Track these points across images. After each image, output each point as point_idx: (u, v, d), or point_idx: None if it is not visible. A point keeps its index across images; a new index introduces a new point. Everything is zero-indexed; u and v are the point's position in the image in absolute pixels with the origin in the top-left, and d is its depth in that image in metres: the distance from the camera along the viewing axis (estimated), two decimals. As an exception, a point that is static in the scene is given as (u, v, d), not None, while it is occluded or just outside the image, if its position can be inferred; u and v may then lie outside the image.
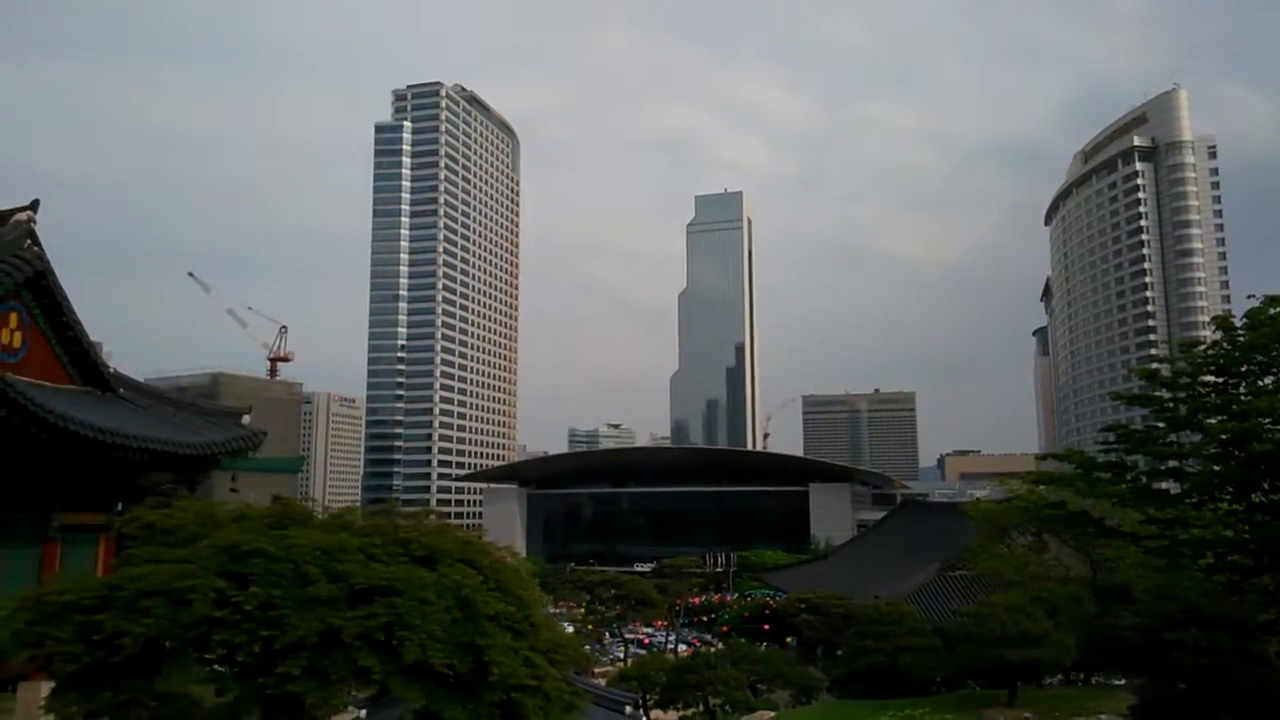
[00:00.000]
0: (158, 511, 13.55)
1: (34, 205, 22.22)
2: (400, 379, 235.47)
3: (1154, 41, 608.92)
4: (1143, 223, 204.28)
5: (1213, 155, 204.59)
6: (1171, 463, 20.99)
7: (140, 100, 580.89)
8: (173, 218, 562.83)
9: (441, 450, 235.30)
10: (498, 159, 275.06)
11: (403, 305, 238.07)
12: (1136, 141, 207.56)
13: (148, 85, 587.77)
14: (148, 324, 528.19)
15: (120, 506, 23.82)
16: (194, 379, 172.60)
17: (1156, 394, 21.88)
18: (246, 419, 28.20)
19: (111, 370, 25.54)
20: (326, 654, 10.39)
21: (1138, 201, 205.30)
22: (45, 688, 11.90)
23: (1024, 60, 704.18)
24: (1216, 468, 20.30)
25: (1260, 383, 20.33)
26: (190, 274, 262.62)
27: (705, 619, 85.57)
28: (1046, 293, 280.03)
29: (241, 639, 10.27)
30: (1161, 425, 21.51)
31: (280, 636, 10.29)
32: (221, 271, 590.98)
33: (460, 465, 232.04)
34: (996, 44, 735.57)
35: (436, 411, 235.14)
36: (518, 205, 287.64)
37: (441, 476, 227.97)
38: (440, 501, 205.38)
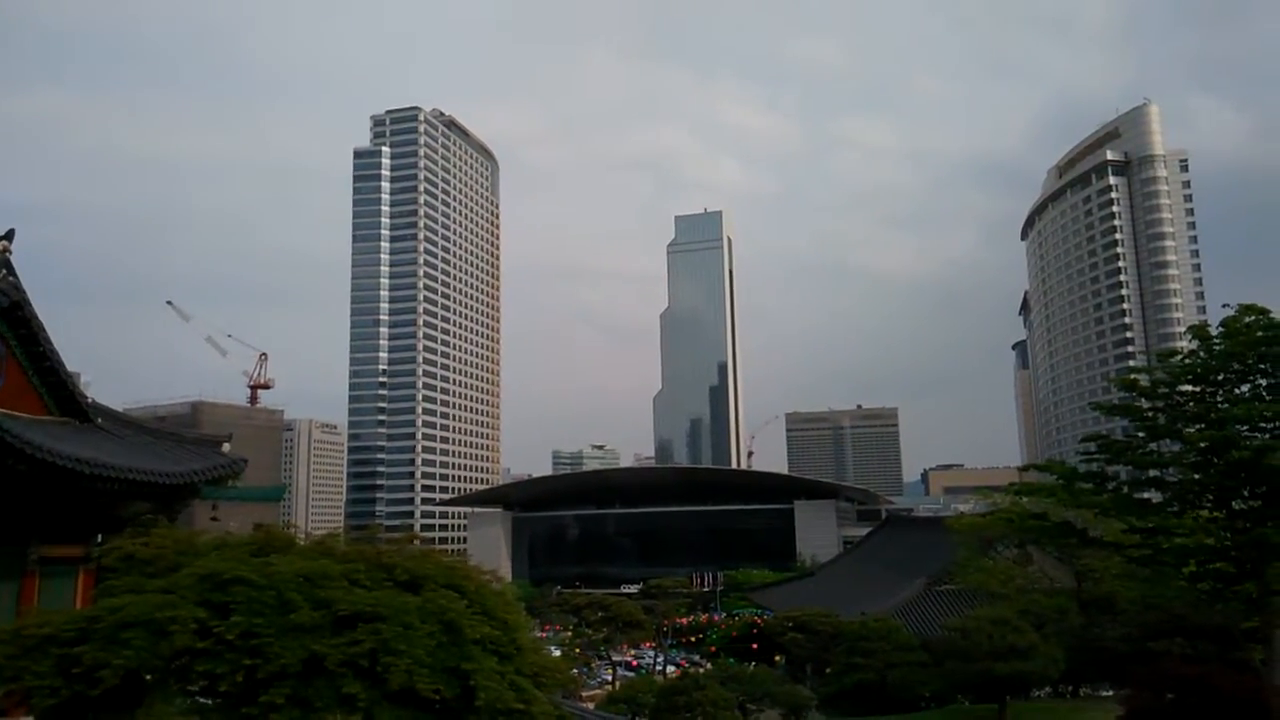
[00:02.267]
0: (136, 541, 13.41)
1: (9, 235, 22.04)
2: (382, 404, 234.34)
3: (1126, 57, 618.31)
4: (1117, 236, 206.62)
5: (1184, 169, 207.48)
6: (1152, 472, 21.11)
7: (116, 127, 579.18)
8: (150, 246, 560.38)
9: (425, 475, 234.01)
10: (477, 183, 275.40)
11: (384, 330, 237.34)
12: (1110, 156, 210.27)
13: (124, 112, 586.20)
14: (126, 354, 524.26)
15: (100, 538, 23.51)
16: (173, 408, 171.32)
17: (1136, 404, 22.04)
18: (227, 447, 27.94)
19: (89, 400, 25.28)
20: (310, 682, 10.27)
21: (1112, 215, 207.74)
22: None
23: (999, 78, 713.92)
24: (1197, 476, 20.43)
25: (1237, 391, 20.52)
26: (169, 302, 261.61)
27: (693, 639, 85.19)
28: (1025, 307, 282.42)
29: (224, 669, 10.15)
30: (1141, 434, 21.65)
31: (263, 665, 10.18)
32: (200, 299, 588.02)
33: (444, 490, 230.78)
34: (971, 62, 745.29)
35: (419, 436, 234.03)
36: (498, 228, 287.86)
37: (425, 501, 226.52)
38: (424, 526, 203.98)
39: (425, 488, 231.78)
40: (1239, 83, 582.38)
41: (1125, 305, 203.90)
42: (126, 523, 23.56)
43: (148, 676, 10.51)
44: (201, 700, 11.47)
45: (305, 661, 10.32)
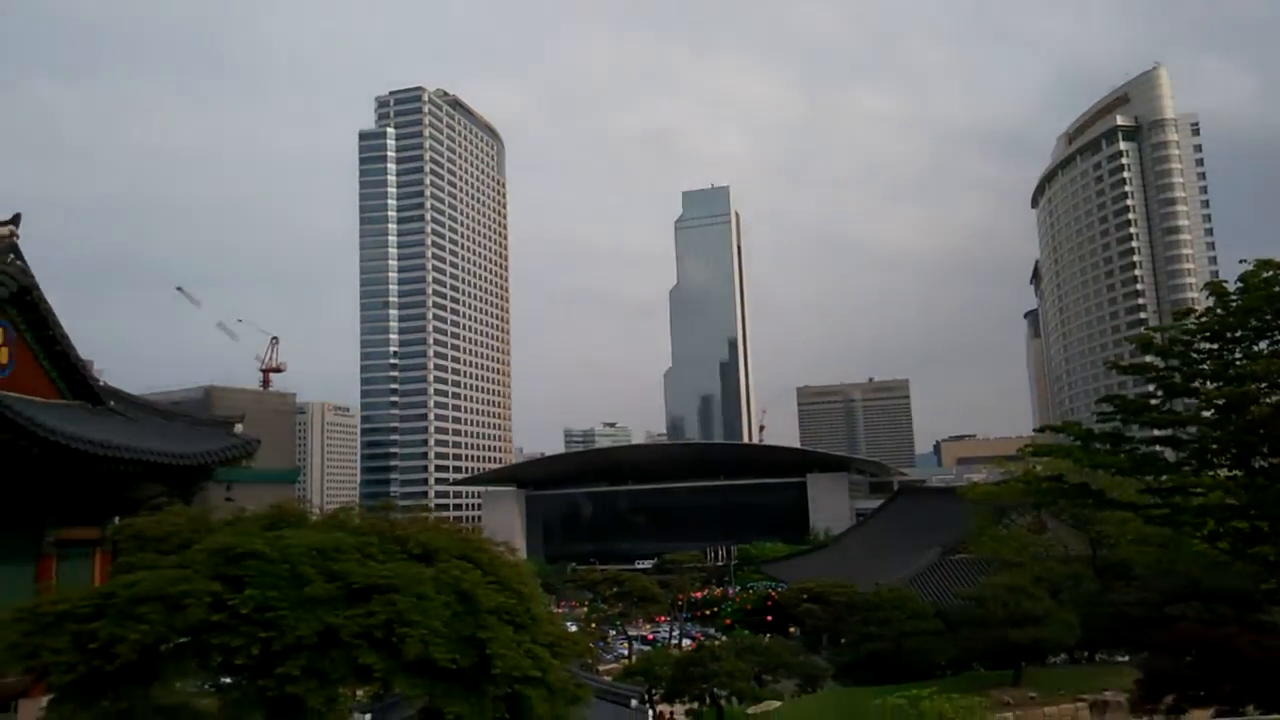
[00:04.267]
0: (150, 519, 13.43)
1: (15, 219, 21.99)
2: (394, 385, 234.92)
3: (1133, 20, 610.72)
4: (1129, 202, 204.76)
5: (1195, 132, 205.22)
6: (1170, 430, 20.90)
7: (123, 115, 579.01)
8: (159, 232, 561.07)
9: (438, 455, 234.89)
10: (483, 162, 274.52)
11: (393, 312, 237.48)
12: (1120, 121, 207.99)
13: (129, 100, 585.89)
14: (138, 340, 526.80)
15: (116, 520, 23.62)
16: (187, 393, 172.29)
17: (1151, 361, 21.80)
18: (239, 428, 27.99)
19: (101, 383, 25.34)
20: (326, 654, 10.29)
21: (1123, 181, 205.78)
22: (46, 703, 11.76)
23: (1002, 44, 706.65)
24: (1215, 433, 20.23)
25: (1255, 347, 20.26)
26: (179, 289, 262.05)
27: (708, 613, 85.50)
28: (1036, 275, 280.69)
29: (239, 642, 10.16)
30: (1159, 393, 21.45)
31: (278, 638, 10.19)
32: (211, 285, 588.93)
33: (457, 470, 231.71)
34: (972, 27, 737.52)
35: (431, 417, 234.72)
36: (505, 207, 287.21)
37: (439, 481, 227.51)
38: (438, 507, 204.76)
39: (439, 468, 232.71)
40: (1247, 44, 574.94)
41: (1137, 271, 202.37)
42: (141, 505, 23.61)
43: (163, 650, 10.54)
44: (218, 673, 11.53)
45: (320, 634, 10.33)
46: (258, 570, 10.76)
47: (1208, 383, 20.33)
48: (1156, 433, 21.75)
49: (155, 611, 10.13)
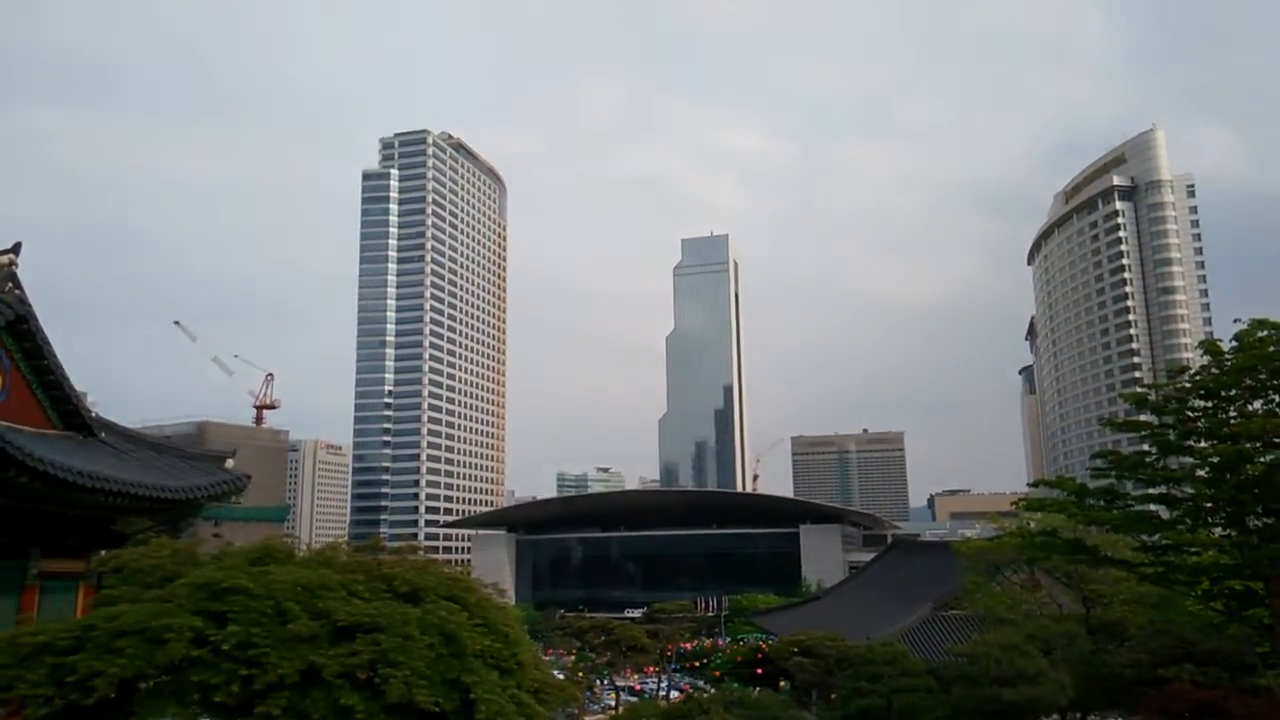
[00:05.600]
0: (134, 551, 13.30)
1: (15, 248, 22.03)
2: (387, 425, 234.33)
3: (1122, 85, 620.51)
4: (1124, 261, 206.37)
5: (1191, 194, 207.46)
6: (1164, 488, 20.91)
7: (127, 148, 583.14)
8: (160, 267, 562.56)
9: (429, 497, 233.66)
10: (484, 205, 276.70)
11: (390, 351, 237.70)
12: (1116, 181, 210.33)
13: (134, 133, 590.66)
14: (133, 374, 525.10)
15: (101, 553, 23.36)
16: (179, 428, 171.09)
17: (1146, 419, 21.88)
18: (230, 463, 27.83)
19: (93, 415, 25.21)
20: (307, 693, 10.15)
21: (1119, 240, 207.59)
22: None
23: (1001, 102, 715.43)
24: (1210, 491, 20.23)
25: (1250, 406, 20.34)
26: (176, 322, 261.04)
27: (697, 664, 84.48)
28: (1031, 332, 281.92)
29: (219, 679, 10.02)
30: (1153, 450, 21.48)
31: (260, 676, 10.06)
32: (209, 320, 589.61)
33: (448, 511, 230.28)
34: (965, 88, 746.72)
35: (424, 458, 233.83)
36: (504, 250, 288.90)
37: (429, 523, 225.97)
38: (428, 549, 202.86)
39: (429, 509, 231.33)
40: (1235, 110, 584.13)
41: (1132, 330, 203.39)
42: (128, 539, 23.42)
43: (143, 686, 10.38)
44: (197, 711, 11.34)
45: (303, 672, 10.20)
46: (242, 606, 10.64)
47: (1202, 441, 20.36)
48: (1151, 490, 21.73)
49: (135, 646, 10.00)
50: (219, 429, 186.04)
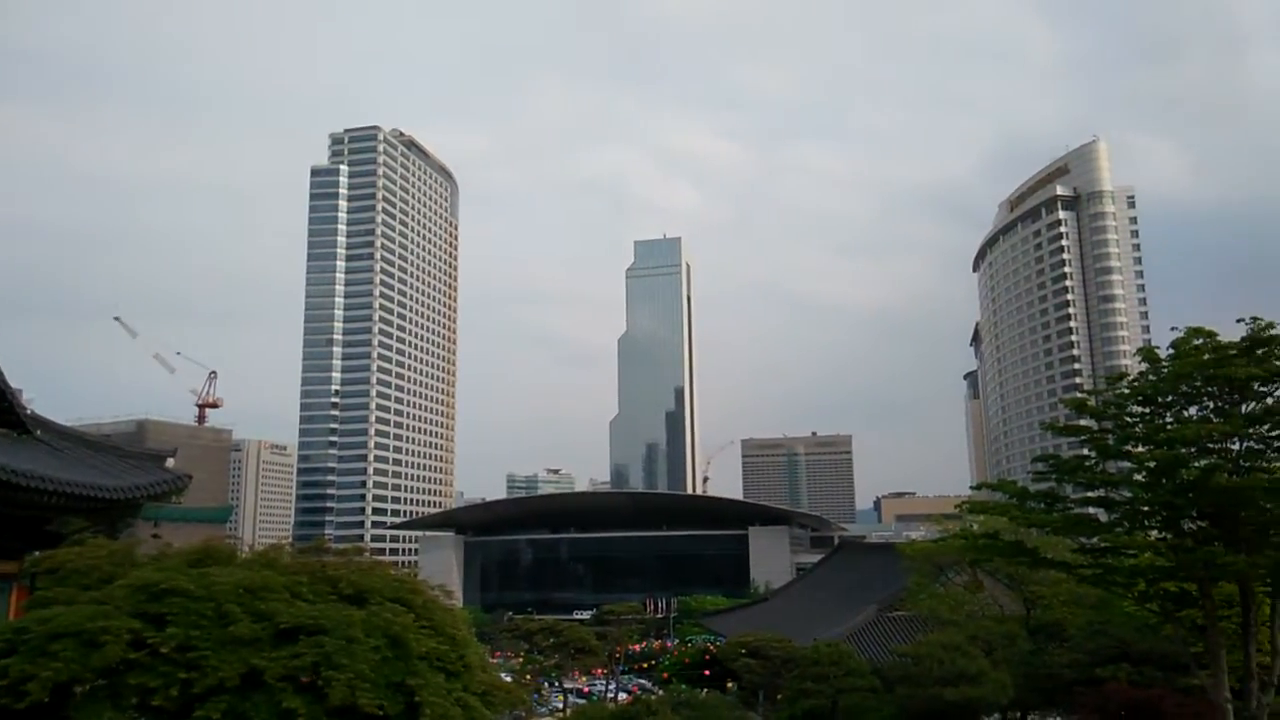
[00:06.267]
0: (71, 551, 12.97)
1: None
2: (334, 425, 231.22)
3: (1073, 93, 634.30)
4: (1066, 269, 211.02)
5: (1132, 204, 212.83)
6: (1101, 491, 21.43)
7: (67, 143, 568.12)
8: (100, 263, 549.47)
9: (376, 498, 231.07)
10: (436, 203, 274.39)
11: (337, 350, 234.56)
12: (1059, 191, 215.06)
13: (73, 128, 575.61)
14: (71, 371, 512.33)
15: (36, 554, 22.73)
16: (118, 426, 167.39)
17: (1085, 424, 22.39)
18: (171, 462, 27.27)
19: (29, 412, 24.54)
20: (248, 696, 9.97)
21: (1061, 249, 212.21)
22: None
23: (949, 111, 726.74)
24: (1146, 495, 20.77)
25: (1185, 412, 20.92)
26: (117, 318, 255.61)
27: (646, 666, 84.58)
28: (976, 337, 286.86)
29: (157, 682, 9.81)
30: (1092, 455, 22.00)
31: (200, 679, 9.87)
32: (150, 317, 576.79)
33: (395, 513, 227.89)
34: (915, 93, 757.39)
35: (371, 458, 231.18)
36: (456, 250, 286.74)
37: (376, 525, 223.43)
38: (374, 551, 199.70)
39: (376, 510, 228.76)
40: (1177, 122, 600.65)
41: (1074, 338, 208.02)
42: (63, 539, 22.82)
43: (78, 690, 10.12)
44: (134, 715, 11.08)
45: (244, 675, 10.03)
46: (181, 608, 10.42)
47: (1139, 446, 20.89)
48: (1090, 493, 22.26)
49: (70, 649, 9.74)
50: (159, 428, 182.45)
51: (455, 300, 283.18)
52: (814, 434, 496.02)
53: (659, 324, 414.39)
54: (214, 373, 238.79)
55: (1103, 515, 22.17)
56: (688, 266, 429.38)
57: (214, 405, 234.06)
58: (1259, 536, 19.99)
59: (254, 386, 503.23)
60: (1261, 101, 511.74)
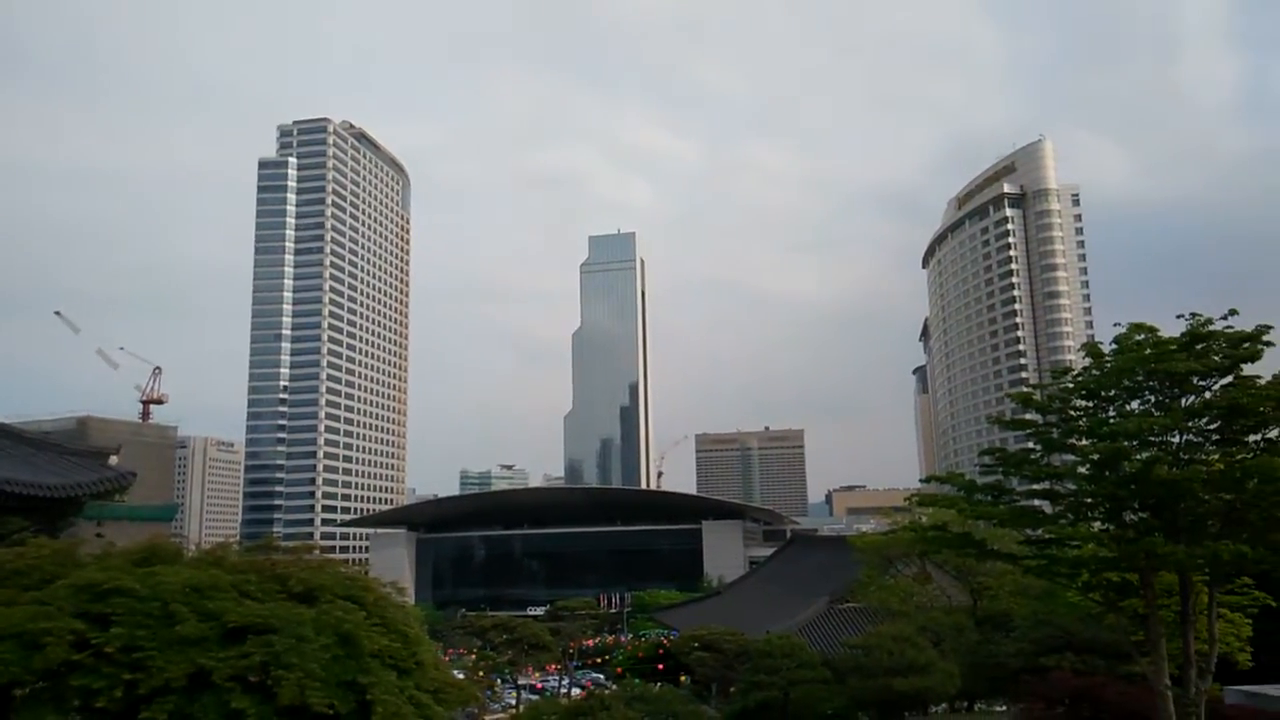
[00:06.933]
0: (9, 550, 12.64)
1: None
2: (282, 421, 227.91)
3: (1021, 94, 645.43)
4: (1013, 265, 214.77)
5: (1076, 203, 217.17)
6: (1046, 484, 21.87)
7: (6, 130, 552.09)
8: (39, 256, 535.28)
9: (326, 495, 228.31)
10: (387, 197, 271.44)
11: (286, 345, 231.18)
12: (1006, 189, 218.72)
13: (13, 115, 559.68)
14: (10, 368, 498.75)
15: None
16: (59, 423, 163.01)
17: (1031, 418, 22.82)
18: (114, 459, 26.75)
19: (-36, 408, 23.91)
20: (196, 697, 9.83)
21: (1008, 246, 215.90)
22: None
23: (898, 109, 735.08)
24: (1090, 488, 21.20)
25: (1128, 406, 21.36)
26: (57, 312, 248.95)
27: (600, 661, 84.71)
28: (925, 333, 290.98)
29: (101, 684, 9.62)
30: (1037, 448, 22.42)
31: (145, 680, 9.70)
32: (94, 312, 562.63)
33: (346, 510, 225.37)
34: (869, 93, 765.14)
35: (321, 455, 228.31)
36: (408, 244, 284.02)
37: (326, 522, 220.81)
38: (325, 549, 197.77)
39: (326, 508, 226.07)
40: (1119, 121, 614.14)
41: (1020, 333, 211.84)
42: (3, 538, 22.31)
43: (18, 693, 9.89)
44: (78, 718, 10.86)
45: (191, 676, 9.88)
46: (126, 608, 10.23)
47: (1083, 439, 21.28)
48: (1035, 486, 22.71)
49: (10, 650, 9.52)
50: (102, 425, 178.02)
51: (407, 294, 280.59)
52: (767, 428, 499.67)
53: (613, 319, 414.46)
54: (158, 368, 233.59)
55: (1048, 507, 22.59)
56: (642, 262, 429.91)
57: (159, 401, 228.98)
58: (1197, 527, 20.51)
59: (201, 382, 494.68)
60: (1198, 103, 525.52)
